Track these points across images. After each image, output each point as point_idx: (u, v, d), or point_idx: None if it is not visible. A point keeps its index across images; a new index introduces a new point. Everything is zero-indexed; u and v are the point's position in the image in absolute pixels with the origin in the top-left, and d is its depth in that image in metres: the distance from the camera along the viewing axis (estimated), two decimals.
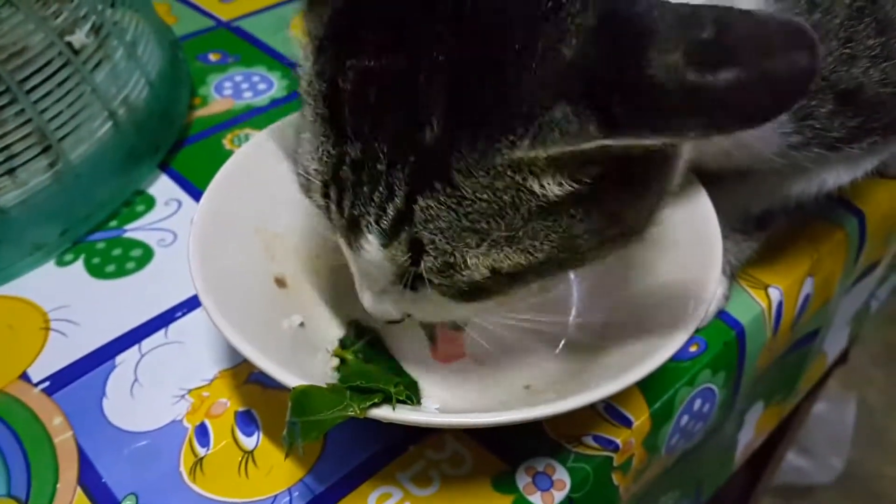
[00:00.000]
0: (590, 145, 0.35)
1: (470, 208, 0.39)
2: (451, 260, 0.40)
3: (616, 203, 0.41)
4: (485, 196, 0.38)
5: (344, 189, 0.41)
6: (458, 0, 0.37)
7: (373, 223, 0.41)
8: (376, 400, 0.43)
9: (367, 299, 0.47)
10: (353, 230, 0.42)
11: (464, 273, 0.41)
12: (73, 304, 0.62)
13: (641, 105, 0.34)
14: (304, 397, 0.43)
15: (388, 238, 0.41)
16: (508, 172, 0.38)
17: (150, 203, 0.71)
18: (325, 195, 0.43)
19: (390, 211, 0.40)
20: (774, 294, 0.64)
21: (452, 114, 0.37)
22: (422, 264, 0.41)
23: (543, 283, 0.44)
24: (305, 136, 0.44)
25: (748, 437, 0.81)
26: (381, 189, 0.39)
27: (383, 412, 0.43)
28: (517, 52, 0.36)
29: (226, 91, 0.85)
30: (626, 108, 0.34)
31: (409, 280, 0.42)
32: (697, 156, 0.54)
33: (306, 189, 0.44)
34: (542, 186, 0.38)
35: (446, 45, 0.37)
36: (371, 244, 0.41)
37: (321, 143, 0.42)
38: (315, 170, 0.43)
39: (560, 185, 0.38)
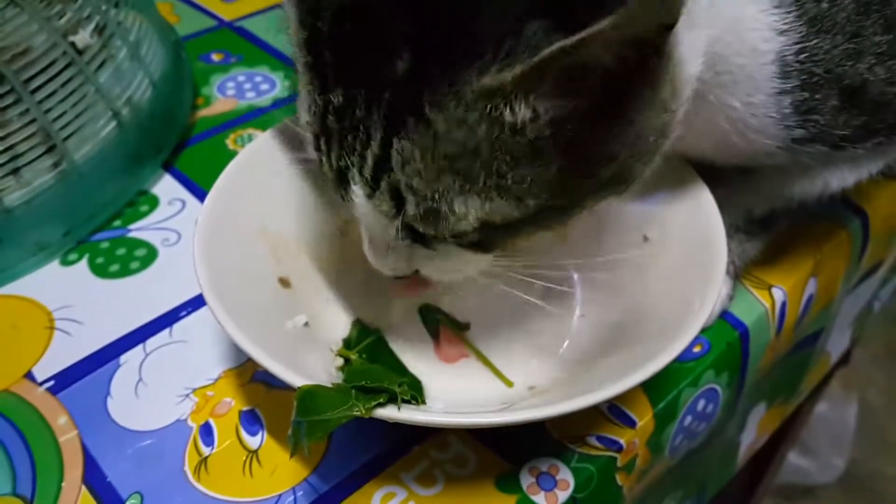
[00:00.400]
0: (552, 49, 0.34)
1: (446, 147, 0.38)
2: (436, 206, 0.39)
3: (604, 137, 0.40)
4: (460, 132, 0.37)
5: (331, 139, 0.41)
6: None
7: (356, 173, 0.40)
8: (381, 400, 0.43)
9: (371, 255, 0.46)
10: (341, 182, 0.42)
11: (450, 220, 0.40)
12: (77, 303, 0.62)
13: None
14: (310, 397, 0.43)
15: (371, 187, 0.40)
16: (480, 102, 0.37)
17: (153, 203, 0.71)
18: (318, 148, 0.42)
19: (369, 157, 0.39)
20: (778, 294, 0.64)
21: (421, 44, 0.37)
22: (406, 211, 0.40)
23: (549, 232, 0.43)
24: (301, 92, 0.43)
25: (751, 437, 0.81)
26: (361, 135, 0.39)
27: (389, 412, 0.43)
28: None
29: (229, 91, 0.85)
30: (583, 4, 0.34)
31: (404, 229, 0.42)
32: (700, 147, 0.54)
33: (308, 144, 0.44)
34: (516, 118, 0.37)
35: None
36: (358, 195, 0.41)
37: (309, 93, 0.41)
38: (307, 122, 0.42)
39: (539, 113, 0.37)
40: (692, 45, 0.43)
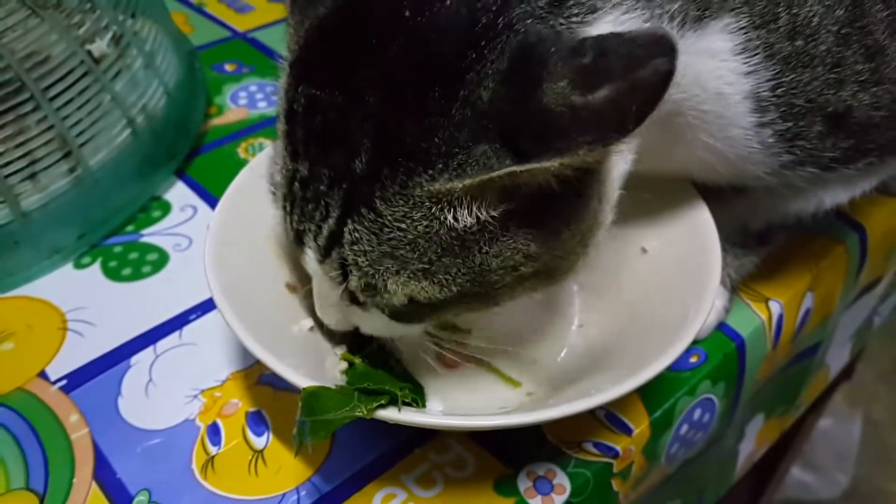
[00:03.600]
0: (500, 172, 0.38)
1: (390, 235, 0.42)
2: (373, 282, 0.44)
3: (528, 242, 0.43)
4: (403, 224, 0.42)
5: (294, 203, 0.45)
6: (394, 51, 0.40)
7: (312, 239, 0.45)
8: (383, 401, 0.45)
9: (318, 307, 0.50)
10: (298, 243, 0.46)
11: (384, 296, 0.44)
12: (90, 305, 0.63)
13: (540, 132, 0.37)
14: (314, 398, 0.44)
15: (322, 255, 0.45)
16: (426, 203, 0.41)
17: (166, 209, 0.73)
18: (283, 207, 0.46)
19: (325, 230, 0.43)
20: (775, 307, 0.65)
21: (378, 149, 0.41)
22: (349, 282, 0.44)
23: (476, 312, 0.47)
24: (277, 147, 0.47)
25: (749, 448, 0.82)
26: (321, 209, 0.43)
27: (389, 413, 0.44)
28: (438, 98, 0.39)
29: (241, 101, 0.87)
30: (530, 138, 0.38)
31: (346, 294, 0.46)
32: (687, 171, 0.55)
33: (274, 198, 0.48)
34: (455, 218, 0.41)
35: (379, 90, 0.41)
36: (311, 258, 0.45)
37: (283, 157, 0.45)
38: (278, 181, 0.46)
39: (474, 216, 0.41)
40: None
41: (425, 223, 0.41)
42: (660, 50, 0.35)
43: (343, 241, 0.43)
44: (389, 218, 0.41)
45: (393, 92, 0.40)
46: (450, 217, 0.41)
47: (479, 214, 0.41)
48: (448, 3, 0.40)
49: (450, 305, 0.45)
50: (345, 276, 0.44)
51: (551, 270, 0.46)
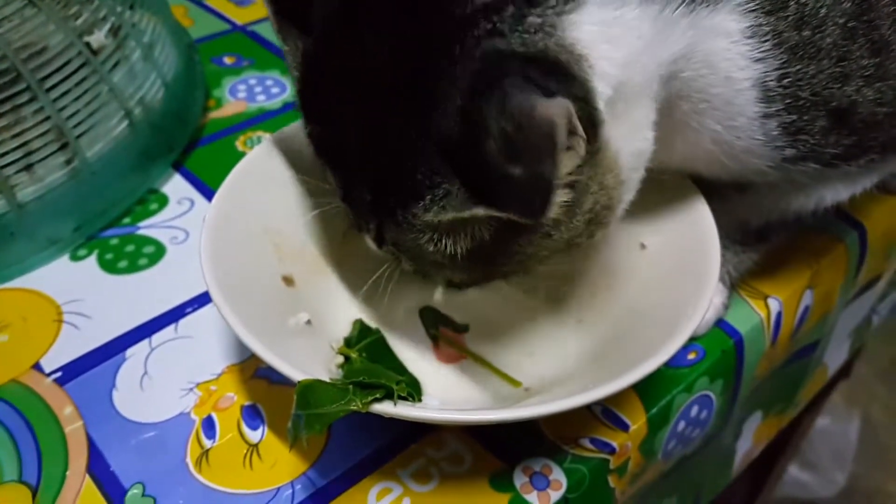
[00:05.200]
0: (467, 214, 0.41)
1: (414, 249, 0.47)
2: (422, 269, 0.51)
3: (528, 243, 0.46)
4: (418, 244, 0.46)
5: (349, 204, 0.49)
6: (380, 97, 0.43)
7: (367, 234, 0.50)
8: (378, 395, 0.44)
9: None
10: (359, 229, 0.51)
11: (433, 278, 0.51)
12: (85, 297, 0.63)
13: (486, 185, 0.40)
14: (309, 391, 0.44)
15: (377, 245, 0.50)
16: (427, 231, 0.45)
17: (163, 201, 0.73)
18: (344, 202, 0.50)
19: (372, 231, 0.49)
20: (774, 305, 0.65)
21: (377, 187, 0.45)
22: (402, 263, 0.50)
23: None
24: None
25: (747, 446, 0.82)
26: (364, 216, 0.48)
27: (385, 407, 0.44)
28: (415, 139, 0.42)
29: (240, 94, 0.87)
30: (479, 187, 0.40)
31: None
32: (692, 166, 0.55)
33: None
34: (454, 242, 0.45)
35: (366, 128, 0.44)
36: (370, 242, 0.51)
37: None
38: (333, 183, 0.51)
39: (471, 238, 0.45)
40: (637, 121, 0.47)
41: (433, 245, 0.45)
42: (549, 152, 0.36)
43: (387, 241, 0.48)
44: (409, 235, 0.45)
45: (378, 130, 0.43)
46: (449, 242, 0.45)
47: (474, 235, 0.45)
48: (411, 30, 0.42)
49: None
50: (397, 257, 0.50)
51: (572, 245, 0.48)
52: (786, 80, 0.47)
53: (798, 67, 0.47)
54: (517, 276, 0.51)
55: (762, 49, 0.46)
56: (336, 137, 0.47)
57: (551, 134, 0.35)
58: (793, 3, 0.46)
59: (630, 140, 0.46)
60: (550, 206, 0.38)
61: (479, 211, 0.41)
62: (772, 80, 0.47)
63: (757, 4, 0.45)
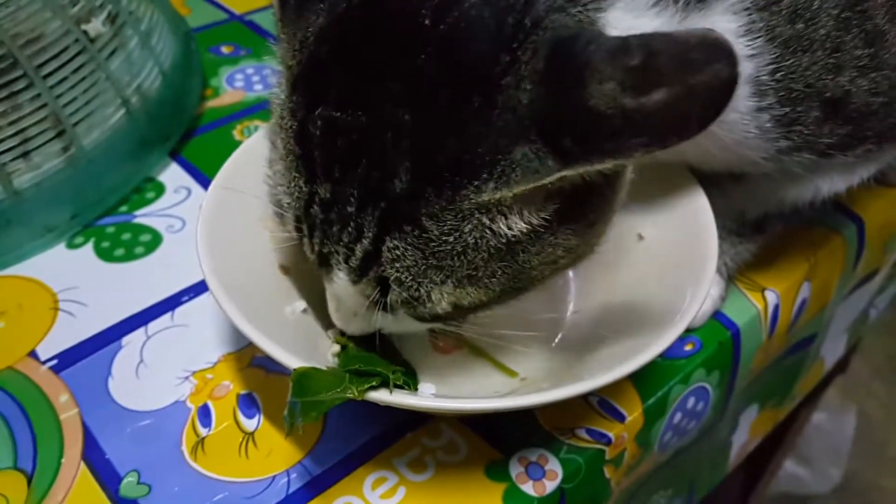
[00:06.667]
0: (550, 178, 0.38)
1: (436, 248, 0.42)
2: (417, 294, 0.43)
3: (569, 236, 0.44)
4: (451, 237, 0.41)
5: (314, 226, 0.44)
6: (420, 63, 0.39)
7: (342, 261, 0.44)
8: (374, 383, 0.44)
9: (338, 318, 0.50)
10: (323, 265, 0.45)
11: (427, 306, 0.44)
12: (81, 285, 0.63)
13: (588, 134, 0.36)
14: (305, 378, 0.44)
15: (357, 276, 0.44)
16: (476, 214, 0.41)
17: (160, 190, 0.72)
18: (298, 229, 0.45)
19: (359, 251, 0.42)
20: (771, 297, 0.65)
21: (419, 168, 0.40)
22: (388, 297, 0.44)
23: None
24: (278, 168, 0.45)
25: (742, 439, 0.82)
26: (350, 230, 0.42)
27: (380, 395, 0.44)
28: (478, 108, 0.38)
29: (237, 83, 0.86)
30: (575, 139, 0.37)
31: (380, 307, 0.45)
32: (684, 158, 0.55)
33: (280, 219, 0.46)
34: (508, 226, 0.42)
35: (410, 106, 0.39)
36: (341, 279, 0.45)
37: (293, 179, 0.44)
38: (288, 203, 0.45)
39: (526, 221, 0.42)
40: None
41: (476, 234, 0.41)
42: (717, 55, 0.34)
43: (382, 260, 0.42)
44: (436, 233, 0.41)
45: (426, 106, 0.39)
46: (502, 225, 0.41)
47: (530, 220, 0.42)
48: (468, 6, 0.39)
49: (489, 305, 0.46)
50: (383, 292, 0.44)
51: (580, 256, 0.47)
52: (779, 74, 0.47)
53: (791, 61, 0.47)
54: (531, 289, 0.47)
55: (755, 45, 0.46)
56: (362, 122, 0.40)
57: (718, 37, 0.34)
58: None
59: None
60: (714, 115, 0.35)
61: (567, 172, 0.38)
62: (764, 75, 0.47)
63: (750, 2, 0.45)
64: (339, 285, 0.45)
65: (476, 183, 0.39)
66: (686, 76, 0.34)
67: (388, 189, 0.40)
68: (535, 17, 0.38)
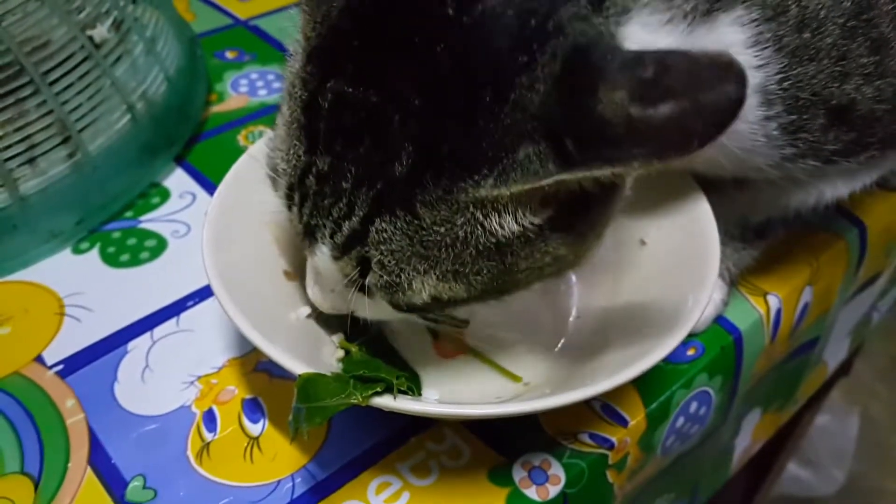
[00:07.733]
0: (549, 181, 0.38)
1: (426, 237, 0.42)
2: (397, 280, 0.43)
3: (559, 245, 0.44)
4: (442, 228, 0.41)
5: (306, 196, 0.44)
6: (439, 52, 0.39)
7: (327, 236, 0.44)
8: (378, 389, 0.45)
9: (314, 293, 0.50)
10: (308, 237, 0.45)
11: (406, 294, 0.44)
12: (87, 290, 0.63)
13: (590, 138, 0.37)
14: (310, 384, 0.44)
15: (339, 252, 0.44)
16: (470, 208, 0.41)
17: (165, 195, 0.73)
18: (289, 197, 0.45)
19: (346, 229, 0.43)
20: (773, 301, 0.65)
21: (422, 154, 0.40)
22: (367, 279, 0.44)
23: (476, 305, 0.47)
24: (280, 133, 0.46)
25: (745, 443, 0.82)
26: (341, 206, 0.42)
27: (385, 401, 0.44)
28: (489, 104, 0.38)
29: (241, 88, 0.87)
30: (576, 143, 0.37)
31: (357, 287, 0.45)
32: (692, 165, 0.55)
33: (273, 184, 0.47)
34: (500, 225, 0.42)
35: (423, 91, 0.39)
36: (323, 253, 0.45)
37: (293, 147, 0.44)
38: (283, 169, 0.45)
39: (519, 223, 0.42)
40: None
41: (467, 228, 0.41)
42: (728, 76, 0.34)
43: (367, 241, 0.42)
44: (428, 221, 0.41)
45: (438, 95, 0.39)
46: (494, 223, 0.41)
47: (523, 222, 0.42)
48: (494, 3, 0.39)
49: (468, 302, 0.46)
50: (363, 273, 0.44)
51: (566, 267, 0.47)
52: (786, 83, 0.47)
53: (798, 70, 0.47)
54: (493, 299, 0.47)
55: (763, 56, 0.46)
56: (371, 101, 0.40)
57: (730, 59, 0.34)
58: (794, 6, 0.46)
59: None
60: (716, 133, 0.35)
61: (566, 176, 0.38)
62: (772, 84, 0.47)
63: (758, 13, 0.46)
64: (321, 259, 0.45)
65: (476, 177, 0.39)
66: (695, 92, 0.34)
67: (387, 171, 0.40)
68: (558, 22, 0.39)
